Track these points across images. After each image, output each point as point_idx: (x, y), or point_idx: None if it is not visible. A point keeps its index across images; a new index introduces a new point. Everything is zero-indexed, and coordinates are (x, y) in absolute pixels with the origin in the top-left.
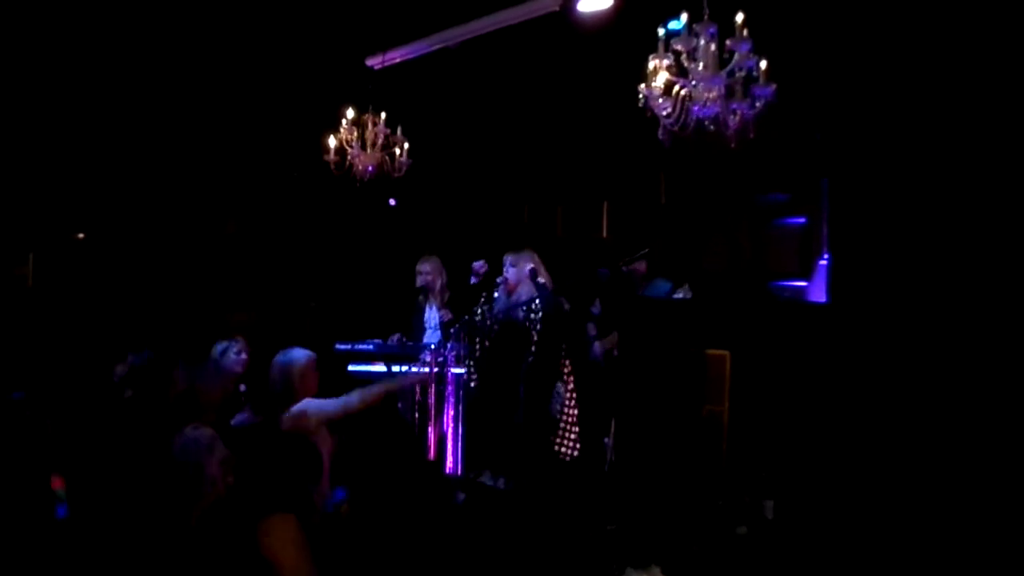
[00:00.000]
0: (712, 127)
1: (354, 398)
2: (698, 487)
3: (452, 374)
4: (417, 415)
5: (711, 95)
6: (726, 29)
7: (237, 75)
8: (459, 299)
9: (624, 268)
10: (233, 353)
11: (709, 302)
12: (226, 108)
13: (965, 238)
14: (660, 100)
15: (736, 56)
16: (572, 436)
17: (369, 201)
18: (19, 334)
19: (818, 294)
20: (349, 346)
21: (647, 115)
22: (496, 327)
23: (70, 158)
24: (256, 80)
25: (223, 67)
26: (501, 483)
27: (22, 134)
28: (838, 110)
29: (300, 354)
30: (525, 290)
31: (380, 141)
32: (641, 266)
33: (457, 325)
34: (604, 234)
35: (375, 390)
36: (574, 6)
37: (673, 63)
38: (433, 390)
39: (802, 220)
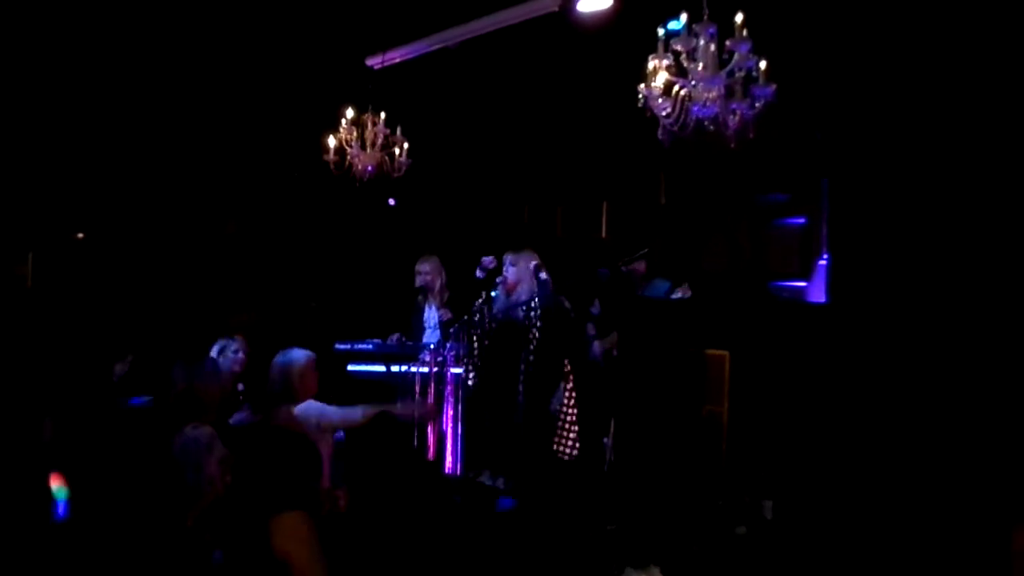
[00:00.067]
0: (712, 127)
1: (357, 413)
2: (698, 487)
3: (452, 374)
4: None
5: (711, 95)
6: (726, 29)
7: (237, 75)
8: (459, 298)
9: (624, 268)
10: (231, 352)
11: (709, 302)
12: (226, 108)
13: (965, 238)
14: (660, 100)
15: (736, 56)
16: (572, 436)
17: (369, 201)
18: (19, 334)
19: (818, 294)
20: (349, 346)
21: (647, 115)
22: (496, 327)
23: (70, 158)
24: (256, 80)
25: (223, 67)
26: (501, 483)
27: (22, 134)
28: (838, 110)
29: (300, 354)
30: (525, 289)
31: (380, 141)
32: (641, 266)
33: (457, 325)
34: (604, 234)
35: (378, 410)
36: (574, 6)
37: (673, 63)
38: (433, 390)
39: (802, 220)
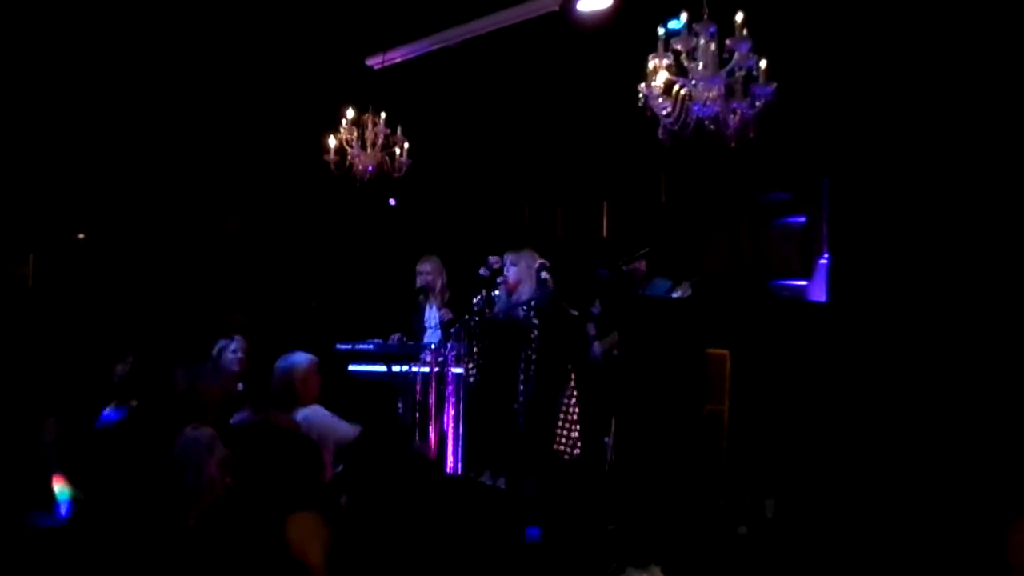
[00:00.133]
0: (712, 127)
1: (356, 432)
2: (698, 487)
3: (452, 374)
4: (417, 415)
5: (711, 95)
6: (726, 29)
7: (237, 75)
8: (460, 298)
9: (624, 268)
10: (231, 352)
11: (709, 301)
12: (226, 108)
13: (965, 238)
14: (660, 100)
15: (736, 55)
16: (572, 435)
17: (369, 201)
18: (19, 334)
19: (818, 293)
20: (349, 346)
21: (647, 115)
22: (497, 326)
23: (70, 158)
24: (256, 80)
25: (223, 67)
26: (501, 483)
27: (22, 134)
28: (838, 110)
29: (302, 358)
30: (526, 289)
31: (380, 141)
32: (641, 265)
33: (457, 325)
34: (604, 234)
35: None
36: (574, 6)
37: (673, 62)
38: (433, 389)
39: (802, 219)
